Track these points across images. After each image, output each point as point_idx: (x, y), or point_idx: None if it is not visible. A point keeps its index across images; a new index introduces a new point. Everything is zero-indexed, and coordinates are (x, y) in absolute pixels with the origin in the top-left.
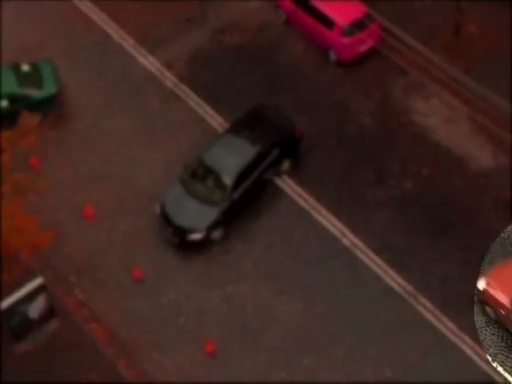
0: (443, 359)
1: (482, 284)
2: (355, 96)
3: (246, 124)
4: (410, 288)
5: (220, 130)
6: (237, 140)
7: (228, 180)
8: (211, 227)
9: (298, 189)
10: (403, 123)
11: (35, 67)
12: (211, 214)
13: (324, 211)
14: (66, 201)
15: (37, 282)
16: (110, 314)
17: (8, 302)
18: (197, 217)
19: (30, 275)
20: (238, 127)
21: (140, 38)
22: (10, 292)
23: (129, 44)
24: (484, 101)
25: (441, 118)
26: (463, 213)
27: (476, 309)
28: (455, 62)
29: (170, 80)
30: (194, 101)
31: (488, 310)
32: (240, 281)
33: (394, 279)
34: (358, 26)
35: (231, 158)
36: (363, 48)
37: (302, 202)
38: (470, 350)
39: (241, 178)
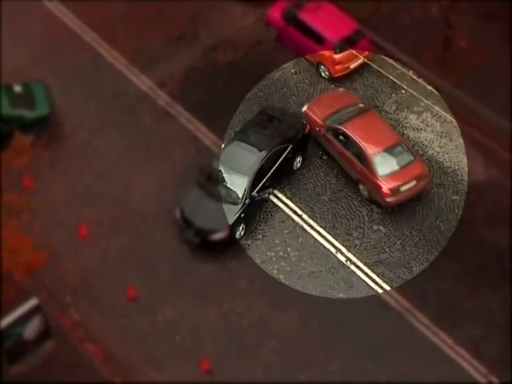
0: (439, 373)
1: (304, 108)
2: None
3: (257, 124)
4: (405, 302)
5: (213, 148)
6: (250, 140)
7: (246, 178)
8: (233, 225)
9: (291, 204)
10: None
11: (27, 88)
12: (232, 212)
13: (318, 227)
14: (60, 220)
15: (31, 302)
16: (105, 334)
17: (3, 323)
18: (218, 217)
19: (24, 296)
20: (250, 128)
21: (132, 58)
22: (5, 313)
23: (121, 63)
24: (475, 114)
25: (433, 133)
26: (457, 226)
27: None
28: (446, 76)
29: (162, 98)
30: (186, 119)
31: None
32: (235, 297)
33: (388, 293)
34: (349, 41)
35: (247, 158)
36: (354, 64)
37: (296, 218)
38: (466, 363)
39: (258, 176)
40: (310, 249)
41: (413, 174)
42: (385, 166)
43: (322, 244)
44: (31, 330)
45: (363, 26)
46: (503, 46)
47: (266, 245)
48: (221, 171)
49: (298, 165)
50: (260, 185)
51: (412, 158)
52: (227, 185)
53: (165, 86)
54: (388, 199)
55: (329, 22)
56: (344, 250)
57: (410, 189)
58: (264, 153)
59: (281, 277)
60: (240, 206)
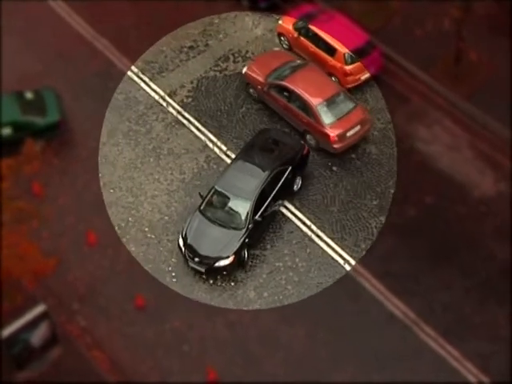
0: None
1: (244, 69)
2: None
3: (256, 147)
4: (412, 315)
5: (223, 157)
6: (250, 163)
7: (248, 203)
8: (238, 251)
9: (300, 214)
10: (406, 150)
11: (38, 95)
12: (236, 238)
13: (327, 238)
14: (69, 228)
15: (39, 309)
16: (112, 342)
17: (10, 329)
18: (222, 243)
19: (32, 302)
20: (248, 151)
21: (143, 65)
22: (12, 320)
23: (132, 71)
24: (485, 128)
25: (443, 146)
26: (465, 240)
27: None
28: (456, 89)
29: (173, 107)
30: (197, 128)
31: (251, 91)
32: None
33: (396, 306)
34: (360, 53)
35: (248, 182)
36: (365, 75)
37: (304, 228)
38: (472, 376)
39: (260, 199)
40: (318, 259)
41: (356, 119)
42: (329, 114)
43: (330, 255)
44: (38, 336)
45: (375, 37)
46: None
47: (275, 255)
48: (222, 196)
49: (299, 186)
50: (262, 208)
51: (353, 104)
52: (229, 210)
53: (176, 95)
54: (336, 145)
55: (340, 34)
56: (352, 261)
57: (355, 134)
58: (265, 176)
59: (288, 287)
60: (244, 230)
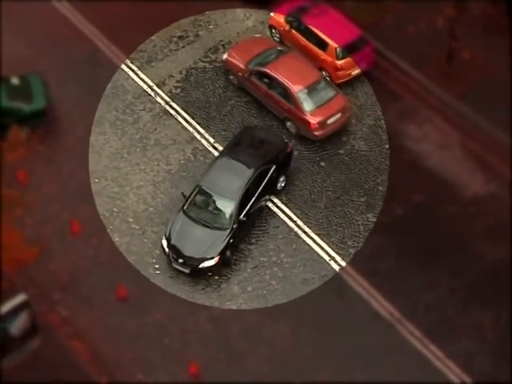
0: None
1: (224, 55)
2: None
3: (239, 145)
4: (396, 313)
5: (210, 149)
6: (234, 162)
7: (233, 202)
8: (223, 251)
9: (287, 209)
10: (395, 148)
11: (25, 81)
12: (221, 238)
13: (313, 234)
14: (53, 216)
15: (19, 298)
16: (93, 332)
17: None
18: (207, 244)
19: (12, 292)
20: (231, 149)
21: (132, 54)
22: None
23: (120, 59)
24: (476, 128)
25: (433, 144)
26: (453, 240)
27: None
28: (449, 88)
29: (161, 97)
30: (185, 119)
31: (231, 77)
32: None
33: (381, 304)
34: (352, 48)
35: (232, 181)
36: (356, 71)
37: (291, 223)
38: (456, 377)
39: (244, 198)
40: (304, 255)
41: (337, 107)
42: (310, 101)
43: (315, 251)
44: (18, 326)
45: (367, 33)
46: (508, 60)
47: (259, 250)
48: (206, 196)
49: (282, 185)
50: (247, 208)
51: (334, 92)
52: (213, 210)
53: (164, 85)
54: (316, 133)
55: (332, 28)
56: (338, 258)
57: (336, 121)
58: (249, 175)
59: (273, 282)
60: (228, 231)
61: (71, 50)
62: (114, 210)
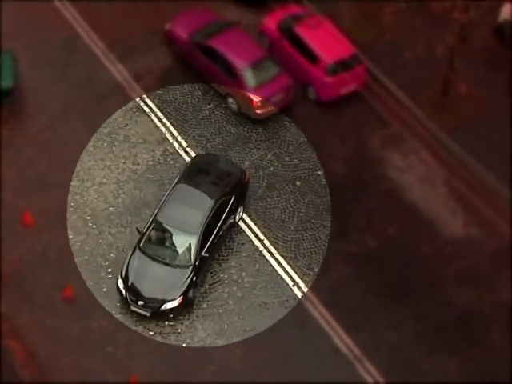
0: None
1: (167, 26)
2: (330, 139)
3: (196, 174)
4: (358, 351)
5: (182, 153)
6: (192, 193)
7: (194, 238)
8: (186, 291)
9: (255, 227)
10: (376, 176)
11: None
12: (183, 277)
13: (278, 256)
14: (5, 204)
15: None
16: (32, 332)
17: None
18: (168, 284)
19: None
20: (188, 179)
21: (111, 44)
22: None
23: (98, 47)
24: (464, 166)
25: (416, 177)
26: (425, 281)
27: None
28: (440, 121)
29: (136, 92)
30: (158, 118)
31: (174, 49)
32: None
33: (341, 338)
34: (344, 66)
35: (192, 214)
36: (345, 90)
37: (257, 242)
38: None
39: (206, 232)
40: (266, 277)
41: (280, 85)
42: (254, 78)
43: (279, 274)
44: None
45: (362, 52)
46: (504, 99)
47: (220, 265)
48: (164, 231)
49: (240, 216)
50: (209, 242)
51: (278, 70)
52: (173, 246)
53: (141, 80)
54: (258, 111)
55: (326, 42)
56: (302, 284)
57: (279, 100)
58: (210, 206)
59: (230, 302)
60: (191, 268)
61: (49, 33)
62: (72, 204)
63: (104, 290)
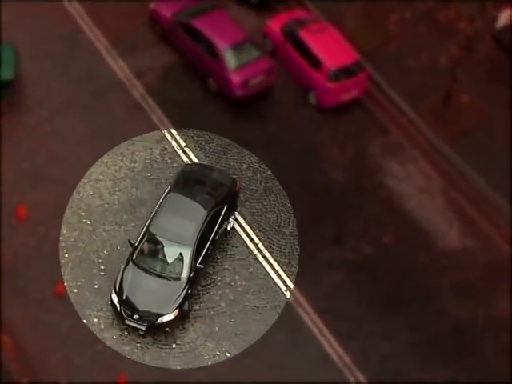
0: None
1: (151, 5)
2: (329, 145)
3: (187, 184)
4: (347, 359)
5: (180, 153)
6: (185, 203)
7: (188, 249)
8: (181, 304)
9: (250, 230)
10: (374, 184)
11: None
12: (178, 289)
13: (273, 260)
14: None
15: None
16: (23, 327)
17: None
18: (163, 297)
19: None
20: (180, 189)
21: (114, 40)
22: None
23: (101, 43)
24: (463, 177)
25: (414, 187)
26: (419, 291)
27: None
28: (440, 131)
29: (137, 90)
30: (158, 116)
31: (157, 28)
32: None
33: (332, 346)
34: (346, 72)
35: (185, 225)
36: (347, 96)
37: (251, 245)
38: None
39: (200, 243)
40: (260, 281)
41: (261, 68)
42: (235, 59)
43: (272, 279)
44: None
45: (365, 59)
46: (506, 112)
47: (214, 268)
48: (157, 244)
49: (231, 225)
50: (203, 253)
51: (260, 53)
52: (166, 258)
53: (142, 77)
54: (237, 92)
55: (329, 48)
56: (294, 289)
57: (259, 83)
58: (203, 217)
59: (222, 304)
60: (186, 281)
61: (52, 26)
62: (67, 200)
63: (96, 286)
